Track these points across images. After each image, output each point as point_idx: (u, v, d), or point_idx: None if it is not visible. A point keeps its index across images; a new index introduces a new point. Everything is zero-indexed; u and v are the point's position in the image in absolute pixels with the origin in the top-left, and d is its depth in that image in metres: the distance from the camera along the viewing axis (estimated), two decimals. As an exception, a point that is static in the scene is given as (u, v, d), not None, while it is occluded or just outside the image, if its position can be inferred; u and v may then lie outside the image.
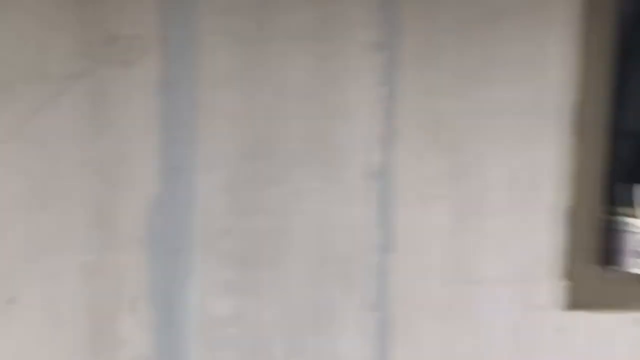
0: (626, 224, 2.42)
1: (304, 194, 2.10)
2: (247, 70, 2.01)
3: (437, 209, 2.20)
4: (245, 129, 2.04)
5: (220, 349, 2.08)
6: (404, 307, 2.21)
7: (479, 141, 2.21)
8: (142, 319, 2.02)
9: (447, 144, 2.19)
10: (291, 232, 2.11)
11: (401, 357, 2.23)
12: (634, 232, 2.39)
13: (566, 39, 2.23)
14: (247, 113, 2.04)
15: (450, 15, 2.13)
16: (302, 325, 2.14)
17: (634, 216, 2.41)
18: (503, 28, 2.18)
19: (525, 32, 2.19)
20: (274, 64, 2.03)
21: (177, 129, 1.97)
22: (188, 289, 2.04)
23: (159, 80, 1.94)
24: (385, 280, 2.19)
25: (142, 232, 1.97)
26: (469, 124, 2.20)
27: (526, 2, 2.18)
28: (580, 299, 2.35)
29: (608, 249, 2.55)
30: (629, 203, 2.46)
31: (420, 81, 2.14)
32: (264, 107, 2.05)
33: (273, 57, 2.03)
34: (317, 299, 2.14)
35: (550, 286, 2.33)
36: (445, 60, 2.15)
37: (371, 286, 2.18)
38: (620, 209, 2.48)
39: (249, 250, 2.08)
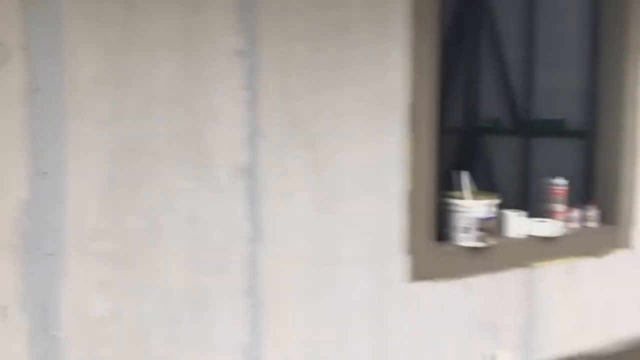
0: (456, 205, 2.85)
1: (175, 193, 2.21)
2: (115, 75, 2.07)
3: (298, 200, 2.43)
4: (114, 132, 2.09)
5: (98, 348, 2.12)
6: (274, 291, 2.41)
7: (333, 137, 2.48)
8: (14, 326, 2.00)
9: (304, 141, 2.42)
10: (164, 230, 2.20)
11: (272, 337, 2.43)
12: (462, 212, 2.82)
13: (401, 49, 2.58)
14: (116, 117, 2.09)
15: (302, 26, 2.36)
16: (179, 316, 2.25)
17: (461, 198, 2.83)
18: (348, 38, 2.46)
19: (367, 42, 2.50)
20: (142, 69, 2.11)
21: (45, 135, 1.97)
22: (62, 292, 2.05)
23: (24, 87, 1.93)
24: (255, 268, 2.37)
25: (14, 237, 1.94)
26: (323, 123, 2.45)
27: (367, 16, 2.48)
28: (422, 271, 2.73)
29: (443, 227, 2.98)
30: (458, 187, 2.88)
31: (279, 85, 2.34)
32: (133, 111, 2.11)
33: (140, 63, 2.10)
34: (193, 291, 2.26)
35: (397, 262, 2.67)
36: (301, 66, 2.38)
37: (243, 274, 2.35)
38: (451, 193, 2.90)
39: (123, 250, 2.14)
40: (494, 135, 5.50)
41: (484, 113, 5.58)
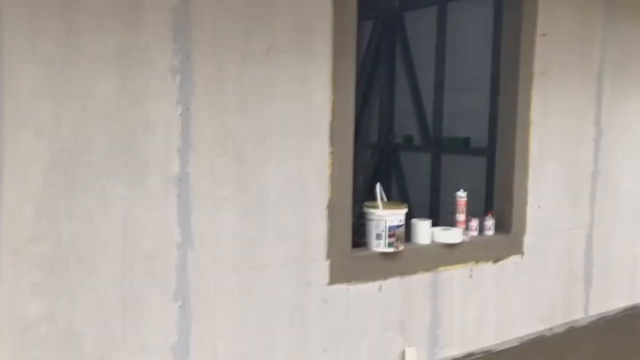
0: (371, 214, 3.12)
1: (109, 201, 2.33)
2: (54, 89, 2.17)
3: (227, 208, 2.61)
4: (52, 143, 2.19)
5: (31, 349, 2.20)
6: (202, 295, 2.57)
7: (260, 151, 2.68)
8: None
9: (233, 154, 2.61)
10: (98, 235, 2.32)
11: (200, 339, 2.58)
12: (375, 220, 3.09)
13: (323, 72, 2.83)
14: (54, 128, 2.19)
15: (233, 47, 2.56)
16: (111, 318, 2.36)
17: (375, 207, 3.11)
18: (275, 60, 2.68)
19: (293, 64, 2.73)
20: (80, 83, 2.23)
21: (-16, 143, 2.05)
22: (-4, 296, 2.12)
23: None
24: (184, 272, 2.52)
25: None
26: (251, 137, 2.65)
27: (293, 41, 2.71)
28: (339, 274, 2.97)
29: (360, 234, 3.25)
30: (373, 198, 3.16)
31: (210, 101, 2.53)
32: (71, 123, 2.22)
33: (79, 78, 2.22)
34: (125, 294, 2.38)
35: (318, 266, 2.91)
36: (231, 84, 2.57)
37: (173, 278, 2.49)
38: (367, 203, 3.18)
39: (58, 254, 2.23)
40: (408, 151, 5.89)
41: (399, 130, 5.97)
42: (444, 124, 5.50)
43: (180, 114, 2.45)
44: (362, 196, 5.50)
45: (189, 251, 2.52)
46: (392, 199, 5.91)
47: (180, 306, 2.52)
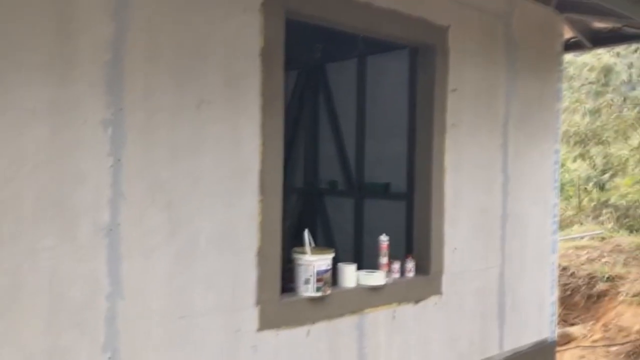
0: (300, 259, 3.23)
1: (37, 253, 2.31)
2: (-19, 141, 2.17)
3: (157, 257, 2.64)
4: (-22, 194, 2.17)
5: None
6: (131, 344, 2.56)
7: (190, 200, 2.74)
8: None
9: (164, 203, 2.66)
10: (25, 288, 2.28)
11: (129, 390, 2.56)
12: (304, 265, 3.20)
13: (253, 123, 2.96)
14: (-20, 179, 2.18)
15: (165, 100, 2.64)
16: (36, 374, 2.31)
17: (304, 253, 3.22)
18: (206, 112, 2.78)
19: (223, 116, 2.84)
20: (10, 135, 2.23)
21: None
22: None
23: None
24: (114, 323, 2.51)
25: None
26: (182, 187, 2.71)
27: (223, 94, 2.83)
28: (269, 320, 3.04)
29: (288, 280, 3.34)
30: (299, 242, 3.27)
31: (142, 152, 2.58)
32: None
33: (9, 129, 2.23)
34: (52, 347, 2.34)
35: (248, 313, 2.96)
36: (162, 135, 2.64)
37: (102, 330, 2.47)
38: (296, 248, 3.28)
39: (-20, 309, 2.18)
40: (332, 196, 6.07)
41: (324, 176, 6.15)
42: (365, 169, 5.73)
43: (111, 165, 2.49)
44: (289, 240, 5.61)
45: (118, 302, 2.52)
46: (318, 243, 6.06)
47: (109, 358, 2.49)
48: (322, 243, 6.07)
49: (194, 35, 2.73)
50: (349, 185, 5.84)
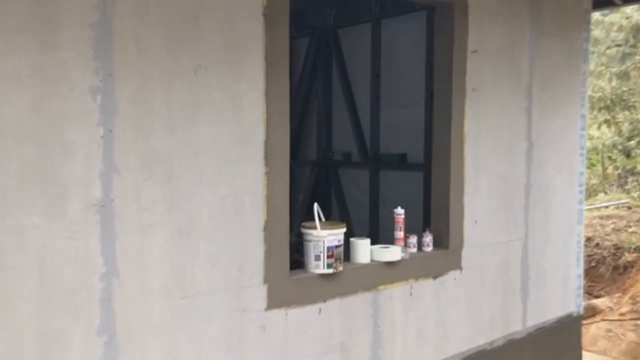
0: (309, 234, 3.04)
1: (25, 231, 2.15)
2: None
3: (155, 234, 2.47)
4: (-44, 170, 2.01)
5: None
6: (129, 327, 2.41)
7: (190, 173, 2.56)
8: None
9: (161, 176, 2.48)
10: (12, 269, 2.13)
11: (129, 374, 2.42)
12: (313, 241, 3.02)
13: (256, 90, 2.74)
14: (-41, 153, 2.01)
15: (158, 66, 2.44)
16: (29, 358, 2.17)
17: (314, 228, 3.03)
18: (204, 79, 2.57)
19: (223, 83, 2.63)
20: (-12, 105, 2.06)
21: None
22: None
23: None
24: (109, 304, 2.36)
25: None
26: (180, 159, 2.53)
27: (221, 59, 2.62)
28: (278, 299, 2.87)
29: (300, 252, 3.16)
30: (311, 218, 3.08)
31: (135, 122, 2.39)
32: (-22, 148, 2.05)
33: (-13, 99, 2.06)
34: (43, 332, 2.20)
35: (254, 291, 2.79)
36: (157, 104, 2.45)
37: (97, 312, 2.32)
38: (305, 223, 3.10)
39: (-35, 292, 2.04)
40: (346, 167, 5.87)
41: (338, 147, 5.94)
42: (381, 140, 5.51)
43: (102, 136, 2.31)
44: (302, 214, 5.44)
45: (114, 282, 2.36)
46: (332, 216, 5.89)
47: (105, 342, 2.35)
48: (337, 216, 5.90)
49: (189, -6, 2.51)
50: (363, 156, 5.64)
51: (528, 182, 4.21)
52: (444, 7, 3.66)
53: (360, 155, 5.66)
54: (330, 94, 6.01)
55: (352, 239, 3.29)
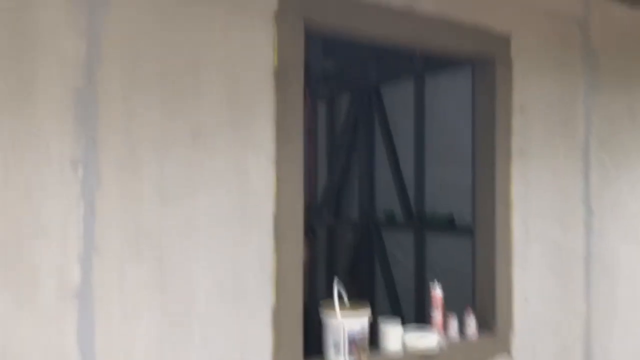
0: (327, 318, 2.67)
1: (-12, 320, 1.91)
2: None
3: (142, 322, 2.17)
4: None
5: None
6: None
7: (184, 250, 2.27)
8: None
9: (150, 255, 2.20)
10: (-28, 365, 1.88)
11: None
12: (332, 326, 2.64)
13: (264, 156, 2.46)
14: None
15: (150, 132, 2.19)
16: None
17: (332, 310, 2.66)
18: (205, 143, 2.32)
19: (225, 149, 2.36)
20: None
21: None
22: None
23: None
24: (88, 403, 2.06)
25: None
26: (173, 234, 2.24)
27: (224, 122, 2.36)
28: (286, 394, 2.49)
29: (313, 341, 2.79)
30: (329, 297, 2.71)
31: (121, 193, 2.13)
32: (-62, 228, 1.84)
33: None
34: None
35: (258, 385, 2.43)
36: (147, 172, 2.19)
37: (71, 413, 2.03)
38: (324, 302, 2.73)
39: None
40: (390, 228, 5.49)
41: (380, 205, 5.60)
42: (426, 199, 5.16)
43: (82, 212, 2.06)
44: (344, 279, 5.06)
45: (93, 378, 2.07)
46: (376, 282, 5.49)
47: None
48: (381, 282, 5.49)
49: (188, 52, 2.28)
50: (407, 216, 5.27)
51: (588, 252, 3.70)
52: (484, 61, 3.32)
53: (403, 215, 5.30)
54: (372, 150, 5.73)
55: (381, 324, 2.89)
